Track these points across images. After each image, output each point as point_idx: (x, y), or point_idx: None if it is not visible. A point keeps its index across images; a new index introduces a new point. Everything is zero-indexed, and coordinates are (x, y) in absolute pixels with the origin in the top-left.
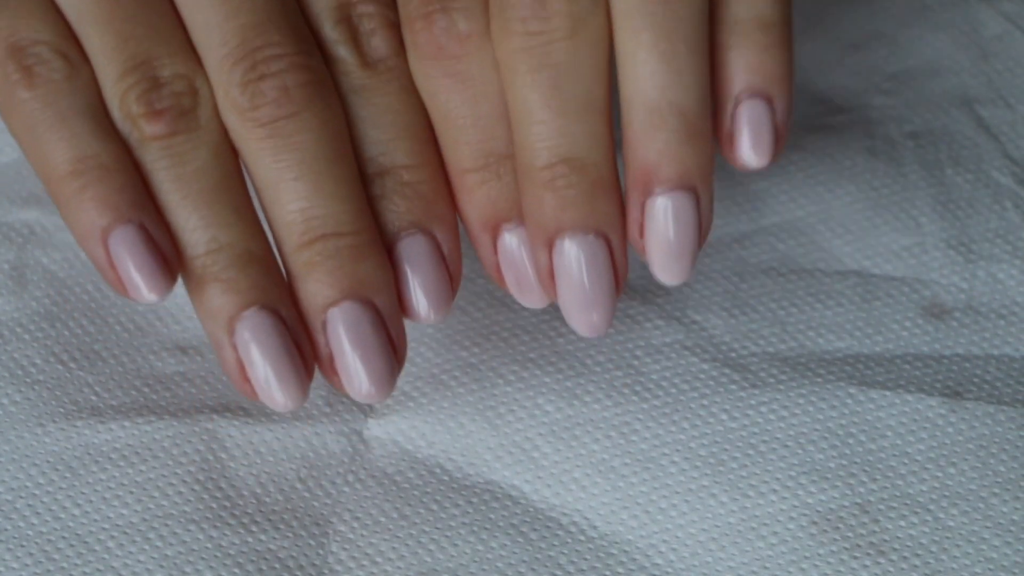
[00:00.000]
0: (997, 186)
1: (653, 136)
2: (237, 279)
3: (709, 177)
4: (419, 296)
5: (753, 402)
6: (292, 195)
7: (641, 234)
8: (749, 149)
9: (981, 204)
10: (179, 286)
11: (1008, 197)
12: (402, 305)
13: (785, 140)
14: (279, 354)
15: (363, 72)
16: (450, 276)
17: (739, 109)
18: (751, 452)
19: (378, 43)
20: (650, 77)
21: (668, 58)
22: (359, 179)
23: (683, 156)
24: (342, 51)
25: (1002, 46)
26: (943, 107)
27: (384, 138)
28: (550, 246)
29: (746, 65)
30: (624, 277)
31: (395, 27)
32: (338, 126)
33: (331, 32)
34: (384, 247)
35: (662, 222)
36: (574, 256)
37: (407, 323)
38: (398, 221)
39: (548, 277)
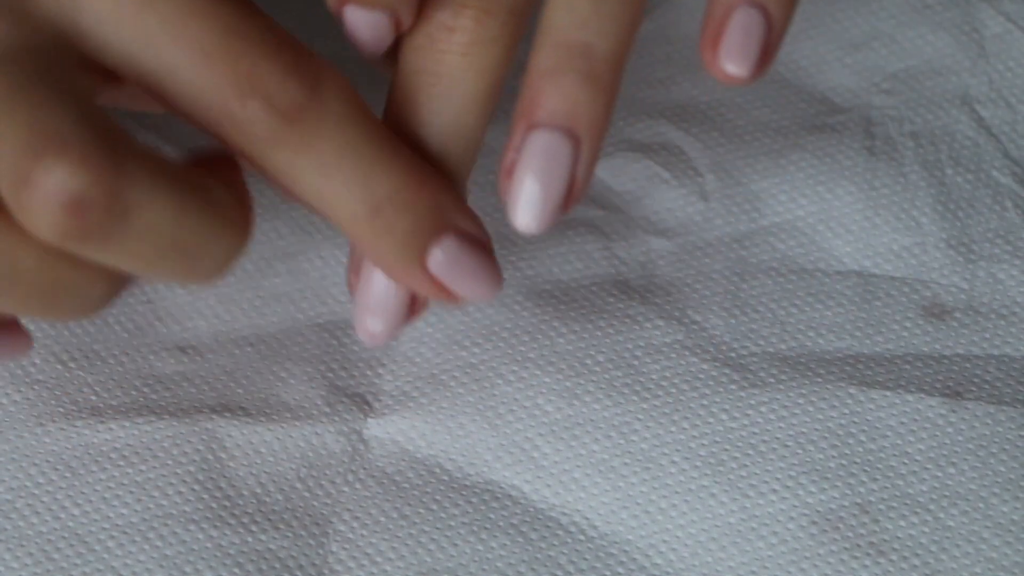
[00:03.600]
0: (997, 186)
1: (554, 72)
2: None
3: (598, 134)
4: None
5: (753, 402)
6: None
7: (511, 171)
8: (733, 55)
9: (981, 204)
10: (170, 287)
11: (1008, 197)
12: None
13: (773, 60)
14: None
15: None
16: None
17: (731, 15)
18: (751, 452)
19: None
20: (570, 10)
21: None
22: None
23: (577, 99)
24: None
25: (1002, 46)
26: (943, 107)
27: None
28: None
29: None
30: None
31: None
32: None
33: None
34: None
35: (533, 158)
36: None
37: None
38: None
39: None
